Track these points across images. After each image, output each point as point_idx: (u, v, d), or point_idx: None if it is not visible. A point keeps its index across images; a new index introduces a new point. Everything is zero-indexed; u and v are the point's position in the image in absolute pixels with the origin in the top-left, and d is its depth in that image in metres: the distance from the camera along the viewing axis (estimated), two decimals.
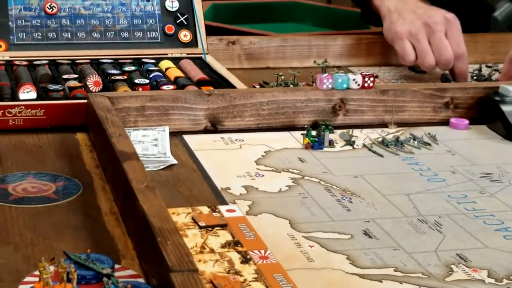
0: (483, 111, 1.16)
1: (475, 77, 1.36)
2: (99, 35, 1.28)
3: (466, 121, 1.15)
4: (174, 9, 1.33)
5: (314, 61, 1.32)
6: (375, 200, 0.90)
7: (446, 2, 1.53)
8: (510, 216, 0.87)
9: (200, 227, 0.80)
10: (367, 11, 1.48)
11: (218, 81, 1.22)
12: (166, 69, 1.24)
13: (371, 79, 1.14)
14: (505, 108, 1.12)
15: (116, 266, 0.72)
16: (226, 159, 1.00)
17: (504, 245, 0.81)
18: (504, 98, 1.14)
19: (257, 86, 1.27)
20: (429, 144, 1.08)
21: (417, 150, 1.06)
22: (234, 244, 0.78)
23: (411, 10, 1.36)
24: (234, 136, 1.08)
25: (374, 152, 1.05)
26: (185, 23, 1.32)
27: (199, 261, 0.74)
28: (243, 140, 1.07)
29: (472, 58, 1.45)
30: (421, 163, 1.02)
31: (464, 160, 1.03)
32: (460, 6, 1.55)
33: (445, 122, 1.16)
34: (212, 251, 0.76)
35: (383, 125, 1.14)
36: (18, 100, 1.07)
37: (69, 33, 1.27)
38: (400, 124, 1.14)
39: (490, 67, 1.44)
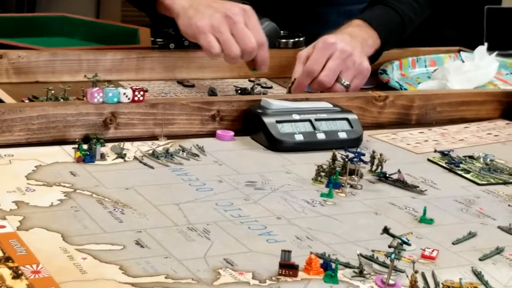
0: (247, 123, 1.23)
1: (239, 91, 1.43)
2: None
3: (232, 133, 1.21)
4: None
5: (85, 76, 1.32)
6: (147, 211, 0.93)
7: None
8: (272, 221, 0.94)
9: None
10: (154, 13, 1.47)
11: None
12: None
13: (141, 93, 1.16)
14: (266, 120, 1.19)
15: None
16: None
17: (267, 248, 0.86)
18: (265, 110, 1.21)
19: (26, 101, 1.26)
20: (198, 155, 1.12)
21: (186, 161, 1.10)
22: (5, 260, 0.77)
23: (207, 5, 1.37)
24: (3, 151, 1.07)
25: (145, 164, 1.08)
26: None
27: None
28: (12, 155, 1.06)
29: (235, 73, 1.53)
30: (190, 173, 1.06)
31: (230, 169, 1.09)
32: None
33: (212, 134, 1.21)
34: None
35: (154, 137, 1.18)
36: None
37: None
38: (170, 137, 1.18)
39: (252, 81, 1.51)
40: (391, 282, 0.80)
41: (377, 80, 1.59)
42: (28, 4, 3.98)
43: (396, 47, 1.70)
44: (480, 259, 0.88)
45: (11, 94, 1.29)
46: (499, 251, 0.90)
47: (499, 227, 0.97)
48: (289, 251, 0.81)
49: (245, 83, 1.51)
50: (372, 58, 1.51)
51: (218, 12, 1.34)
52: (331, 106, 1.25)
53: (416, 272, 0.79)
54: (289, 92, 1.41)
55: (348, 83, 1.39)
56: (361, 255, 0.84)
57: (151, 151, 1.11)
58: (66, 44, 1.67)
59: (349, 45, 1.40)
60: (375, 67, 1.63)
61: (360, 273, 0.82)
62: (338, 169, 1.08)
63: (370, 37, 1.48)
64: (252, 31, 1.34)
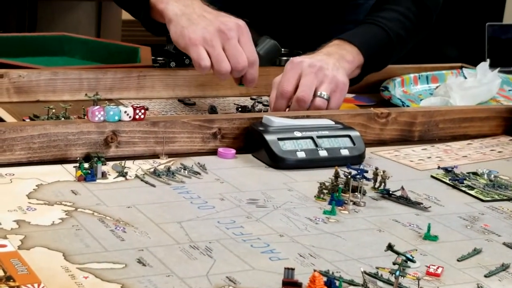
0: (249, 141, 1.22)
1: (240, 109, 1.42)
2: None
3: (233, 151, 1.20)
4: None
5: (86, 94, 1.32)
6: (148, 229, 0.92)
7: None
8: (275, 238, 0.93)
9: None
10: (148, 18, 1.44)
11: None
12: None
13: (142, 111, 1.16)
14: (268, 137, 1.18)
15: None
16: None
17: (270, 266, 0.86)
18: (267, 128, 1.20)
19: (27, 120, 1.25)
20: (199, 173, 1.12)
21: (188, 179, 1.09)
22: (6, 279, 0.77)
23: (200, 14, 1.34)
24: (4, 170, 1.06)
25: (147, 182, 1.07)
26: None
27: None
28: (13, 174, 1.05)
29: (237, 91, 1.52)
30: (191, 191, 1.05)
31: (232, 187, 1.08)
32: None
33: (214, 152, 1.20)
34: None
35: (155, 156, 1.17)
36: None
37: None
38: (171, 155, 1.18)
39: (254, 99, 1.51)
40: None
41: (377, 97, 1.59)
42: (29, 23, 3.99)
43: (397, 63, 1.70)
44: (485, 276, 0.87)
45: (12, 113, 1.29)
46: (504, 267, 0.89)
47: (504, 244, 0.96)
48: (292, 269, 0.80)
49: (246, 101, 1.50)
50: (360, 76, 1.49)
51: (212, 25, 1.32)
52: (333, 123, 1.25)
53: None
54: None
55: (327, 95, 1.35)
56: (365, 272, 0.83)
57: (152, 170, 1.11)
58: (66, 63, 1.67)
59: (318, 60, 1.38)
60: (377, 83, 1.63)
61: None
62: (340, 186, 1.07)
63: (349, 53, 1.45)
64: (245, 48, 1.33)
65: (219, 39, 1.31)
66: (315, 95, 1.35)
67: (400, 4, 1.56)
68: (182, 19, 1.34)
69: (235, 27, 1.32)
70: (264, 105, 1.48)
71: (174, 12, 1.35)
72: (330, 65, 1.38)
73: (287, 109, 1.35)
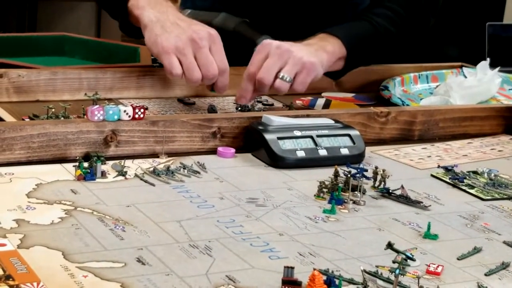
0: (248, 140, 1.22)
1: (239, 108, 1.42)
2: None
3: (233, 150, 1.20)
4: None
5: (85, 94, 1.32)
6: (148, 228, 0.92)
7: None
8: (274, 237, 0.93)
9: None
10: (125, 22, 1.46)
11: None
12: None
13: (142, 110, 1.16)
14: (267, 136, 1.18)
15: None
16: None
17: (269, 265, 0.86)
18: (266, 127, 1.20)
19: (27, 119, 1.25)
20: (199, 172, 1.12)
21: (187, 179, 1.09)
22: (5, 278, 0.77)
23: (174, 22, 1.36)
24: (3, 170, 1.06)
25: (146, 181, 1.07)
26: None
27: None
28: (13, 174, 1.05)
29: (236, 91, 1.52)
30: (191, 190, 1.05)
31: (232, 186, 1.08)
32: None
33: (213, 151, 1.20)
34: None
35: (154, 155, 1.17)
36: None
37: None
38: (171, 154, 1.18)
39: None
40: None
41: (373, 97, 1.59)
42: (29, 23, 3.99)
43: (397, 62, 1.70)
44: (485, 275, 0.87)
45: (11, 113, 1.29)
46: (504, 266, 0.89)
47: (504, 242, 0.96)
48: (292, 268, 0.80)
49: None
50: (345, 68, 1.50)
51: (185, 34, 1.34)
52: (333, 122, 1.25)
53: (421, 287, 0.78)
54: (236, 103, 1.41)
55: (289, 77, 1.35)
56: (365, 271, 0.83)
57: (152, 169, 1.10)
58: (66, 63, 1.67)
59: (289, 44, 1.38)
60: (377, 83, 1.63)
61: None
62: (340, 185, 1.07)
63: (329, 44, 1.46)
64: (216, 56, 1.34)
65: (191, 48, 1.33)
66: (277, 77, 1.35)
67: (392, 1, 1.57)
68: (156, 26, 1.36)
69: (207, 36, 1.34)
70: (263, 104, 1.48)
71: (149, 19, 1.38)
72: (301, 49, 1.39)
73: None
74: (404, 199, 1.07)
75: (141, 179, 1.07)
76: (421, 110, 1.39)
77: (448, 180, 1.16)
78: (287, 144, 1.18)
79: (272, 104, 1.49)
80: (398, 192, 1.08)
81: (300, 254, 0.89)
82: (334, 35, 1.48)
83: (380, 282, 0.82)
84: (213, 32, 1.36)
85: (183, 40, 1.33)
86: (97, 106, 1.14)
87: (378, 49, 1.55)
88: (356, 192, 1.06)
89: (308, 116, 1.28)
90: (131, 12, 1.42)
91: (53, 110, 1.25)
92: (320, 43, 1.45)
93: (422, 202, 1.06)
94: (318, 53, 1.42)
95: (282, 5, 1.66)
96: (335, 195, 1.04)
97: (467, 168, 1.21)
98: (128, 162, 1.12)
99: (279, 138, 1.18)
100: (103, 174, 1.07)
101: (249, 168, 1.16)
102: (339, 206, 1.03)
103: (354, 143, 1.22)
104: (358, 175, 1.07)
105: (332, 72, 1.51)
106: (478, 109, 1.44)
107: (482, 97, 1.59)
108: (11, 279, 0.76)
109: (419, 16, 1.59)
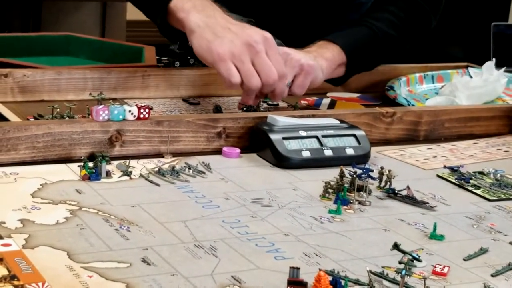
0: (254, 140, 1.22)
1: (244, 108, 1.42)
2: None
3: (238, 150, 1.20)
4: None
5: (90, 94, 1.32)
6: (153, 228, 0.92)
7: None
8: (280, 238, 0.92)
9: None
10: (164, 24, 1.38)
11: None
12: None
13: (147, 110, 1.16)
14: (273, 136, 1.18)
15: None
16: (0, 193, 0.98)
17: (275, 265, 0.85)
18: (272, 127, 1.20)
19: (32, 119, 1.25)
20: (204, 173, 1.11)
21: (192, 179, 1.09)
22: (10, 278, 0.76)
23: (225, 26, 1.29)
24: (8, 169, 1.06)
25: (151, 181, 1.07)
26: None
27: None
28: (18, 174, 1.05)
29: (241, 91, 1.52)
30: (196, 190, 1.05)
31: (237, 186, 1.08)
32: None
33: (218, 151, 1.20)
34: None
35: (159, 155, 1.17)
36: None
37: None
38: (176, 154, 1.17)
39: None
40: None
41: (378, 97, 1.59)
42: (34, 23, 3.99)
43: (402, 63, 1.70)
44: (492, 275, 0.86)
45: (16, 113, 1.29)
46: (511, 267, 0.88)
47: (511, 243, 0.96)
48: (298, 268, 0.80)
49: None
50: (347, 74, 1.50)
51: (239, 38, 1.27)
52: (338, 122, 1.24)
53: None
54: (241, 104, 1.37)
55: (288, 80, 1.33)
56: (371, 271, 0.83)
57: (157, 169, 1.10)
58: (71, 63, 1.67)
59: (287, 48, 1.37)
60: (382, 83, 1.63)
61: None
62: (346, 185, 1.06)
63: (328, 51, 1.45)
64: (273, 61, 1.28)
65: (247, 53, 1.26)
66: None
67: (392, 3, 1.56)
68: (206, 32, 1.29)
69: (263, 40, 1.28)
70: (269, 104, 1.48)
71: (196, 24, 1.31)
72: (298, 53, 1.38)
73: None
74: (410, 200, 1.06)
75: (146, 179, 1.07)
76: (427, 110, 1.38)
77: (454, 181, 1.16)
78: (292, 144, 1.18)
79: (277, 104, 1.49)
80: (404, 193, 1.07)
81: (306, 255, 0.88)
82: (333, 42, 1.47)
83: (386, 283, 0.82)
84: (268, 35, 1.29)
85: (238, 46, 1.26)
86: (102, 106, 1.14)
87: (379, 53, 1.54)
88: (361, 193, 1.06)
89: (313, 116, 1.28)
90: (173, 13, 1.35)
91: (58, 110, 1.25)
92: (319, 50, 1.45)
93: (428, 203, 1.06)
94: (317, 59, 1.42)
95: (287, 5, 1.66)
96: (340, 195, 1.04)
97: (473, 168, 1.21)
98: (133, 162, 1.12)
99: (284, 138, 1.18)
100: (108, 174, 1.07)
101: (254, 168, 1.16)
102: (345, 207, 1.03)
103: (359, 143, 1.21)
104: (363, 175, 1.07)
105: (334, 79, 1.51)
106: (484, 109, 1.43)
107: (488, 97, 1.59)
108: (16, 279, 0.76)
109: (420, 19, 1.58)
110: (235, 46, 1.26)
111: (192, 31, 1.31)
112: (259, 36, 1.28)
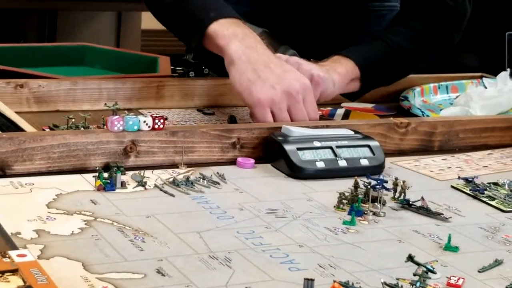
0: (268, 151, 1.22)
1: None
2: None
3: (252, 160, 1.20)
4: None
5: (105, 104, 1.33)
6: (168, 239, 0.92)
7: None
8: (294, 249, 0.92)
9: None
10: (198, 45, 1.39)
11: (6, 125, 1.20)
12: None
13: (161, 121, 1.16)
14: (287, 147, 1.18)
15: None
16: (16, 203, 0.99)
17: (289, 276, 0.85)
18: (286, 138, 1.20)
19: (47, 130, 1.26)
20: (218, 183, 1.12)
21: (207, 189, 1.09)
22: None
23: (266, 64, 1.30)
24: (24, 180, 1.06)
25: (166, 192, 1.07)
26: None
27: None
28: (33, 184, 1.05)
29: None
30: (210, 201, 1.05)
31: (251, 197, 1.08)
32: None
33: (233, 162, 1.20)
34: None
35: (174, 165, 1.17)
36: None
37: None
38: (190, 165, 1.18)
39: None
40: None
41: (393, 107, 1.58)
42: (49, 34, 4.01)
43: (416, 73, 1.70)
44: (507, 287, 0.86)
45: (31, 123, 1.29)
46: None
47: None
48: (312, 280, 0.80)
49: None
50: (362, 89, 1.50)
51: (280, 85, 1.29)
52: (352, 133, 1.24)
53: None
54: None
55: None
56: (385, 283, 0.83)
57: (171, 179, 1.11)
58: (86, 73, 1.68)
59: (298, 58, 1.38)
60: (397, 93, 1.63)
61: None
62: (360, 196, 1.06)
63: (341, 65, 1.45)
64: (309, 108, 1.31)
65: (286, 102, 1.29)
66: None
67: (412, 18, 1.56)
68: (247, 69, 1.30)
69: (303, 89, 1.30)
70: None
71: (237, 55, 1.31)
72: (312, 65, 1.38)
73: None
74: (425, 211, 1.06)
75: (161, 190, 1.08)
76: (441, 121, 1.38)
77: (468, 192, 1.16)
78: (306, 155, 1.18)
79: None
80: (418, 204, 1.07)
81: (320, 266, 0.88)
82: (347, 57, 1.48)
83: None
84: (307, 82, 1.32)
85: (279, 93, 1.28)
86: (117, 116, 1.15)
87: (396, 68, 1.54)
88: (376, 204, 1.06)
89: (327, 126, 1.28)
90: (212, 39, 1.35)
91: (73, 120, 1.26)
92: (332, 64, 1.45)
93: (442, 214, 1.06)
94: (329, 72, 1.42)
95: (303, 16, 1.66)
96: (355, 206, 1.04)
97: (487, 179, 1.21)
98: (147, 173, 1.12)
99: (298, 149, 1.18)
100: (123, 185, 1.07)
101: (268, 178, 1.16)
102: (359, 218, 1.03)
103: (373, 154, 1.21)
104: (378, 186, 1.06)
105: (350, 93, 1.51)
106: (498, 120, 1.43)
107: (503, 108, 1.59)
108: None
109: (440, 33, 1.58)
110: (276, 93, 1.28)
111: (232, 61, 1.32)
112: (300, 85, 1.30)
